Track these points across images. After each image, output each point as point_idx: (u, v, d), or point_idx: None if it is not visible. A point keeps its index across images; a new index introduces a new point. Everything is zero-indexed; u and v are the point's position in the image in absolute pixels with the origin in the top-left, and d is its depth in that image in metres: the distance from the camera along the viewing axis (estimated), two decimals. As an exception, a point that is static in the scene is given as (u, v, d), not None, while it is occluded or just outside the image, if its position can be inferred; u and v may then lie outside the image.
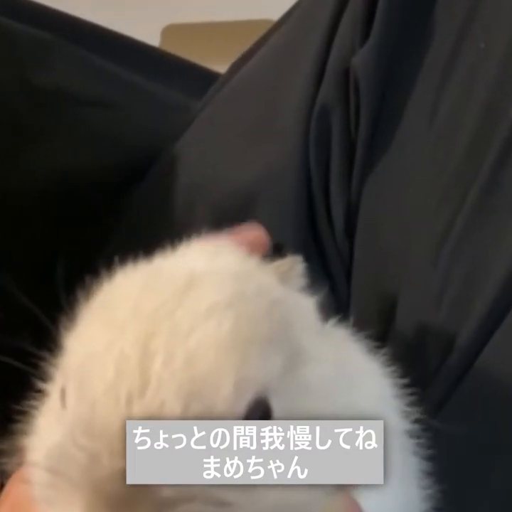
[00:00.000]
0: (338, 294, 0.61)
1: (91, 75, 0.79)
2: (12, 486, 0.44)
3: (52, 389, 0.41)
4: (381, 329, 0.56)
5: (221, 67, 0.91)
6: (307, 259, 0.61)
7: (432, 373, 0.52)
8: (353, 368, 0.42)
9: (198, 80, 0.90)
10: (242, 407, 0.36)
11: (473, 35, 0.57)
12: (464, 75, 0.57)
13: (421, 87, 0.58)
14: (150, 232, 0.71)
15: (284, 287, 0.42)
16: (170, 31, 1.70)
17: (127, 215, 0.74)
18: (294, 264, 0.43)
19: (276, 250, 0.61)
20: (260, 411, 0.36)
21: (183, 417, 0.35)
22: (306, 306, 0.42)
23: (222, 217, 0.65)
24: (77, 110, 0.76)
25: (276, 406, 0.37)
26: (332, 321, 0.44)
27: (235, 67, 0.74)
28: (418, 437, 0.43)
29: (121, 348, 0.36)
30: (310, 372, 0.39)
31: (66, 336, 0.40)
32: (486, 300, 0.51)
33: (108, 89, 0.79)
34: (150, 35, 1.22)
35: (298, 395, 0.38)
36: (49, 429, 0.39)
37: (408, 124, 0.58)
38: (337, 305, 0.60)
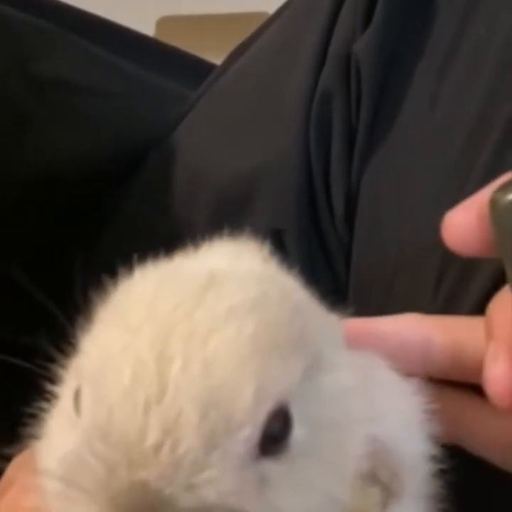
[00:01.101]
0: (338, 279, 0.61)
1: (90, 64, 0.79)
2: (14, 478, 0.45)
3: (63, 391, 0.39)
4: (378, 314, 0.56)
5: (215, 59, 0.92)
6: (307, 244, 0.62)
7: None
8: (379, 383, 0.41)
9: (194, 70, 0.90)
10: (261, 416, 0.35)
11: (475, 22, 0.57)
12: (465, 63, 0.57)
13: (422, 74, 0.59)
14: (151, 219, 0.72)
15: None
16: (164, 23, 1.70)
17: (127, 203, 0.74)
18: None
19: (276, 236, 0.61)
20: (281, 420, 0.36)
21: (201, 427, 0.34)
22: (332, 318, 0.41)
23: (224, 204, 0.66)
24: (77, 99, 0.76)
25: (296, 411, 0.36)
26: None
27: (233, 57, 0.74)
28: (442, 462, 0.42)
29: (137, 351, 0.35)
30: (327, 380, 0.38)
31: (81, 336, 0.39)
32: (481, 289, 0.52)
33: (107, 78, 0.80)
34: (144, 27, 1.22)
35: (314, 402, 0.37)
36: (61, 434, 0.38)
37: (409, 111, 0.59)
38: (337, 290, 0.60)
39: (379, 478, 0.38)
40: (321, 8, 0.64)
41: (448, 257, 0.54)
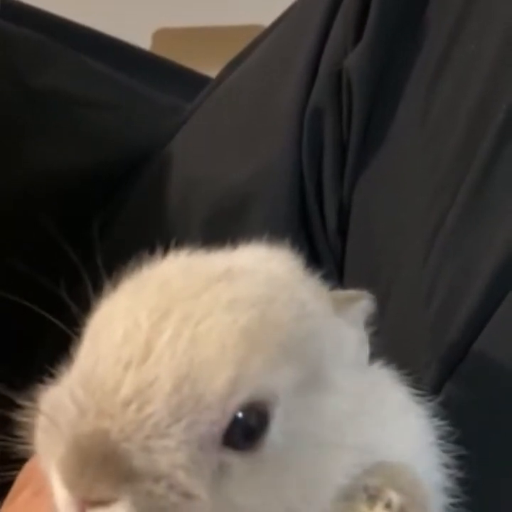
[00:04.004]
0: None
1: (86, 76, 0.80)
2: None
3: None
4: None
5: (211, 72, 0.92)
6: (300, 257, 0.62)
7: (424, 367, 0.53)
8: (389, 407, 0.41)
9: (190, 83, 0.91)
10: (233, 404, 0.36)
11: (464, 37, 0.58)
12: (454, 77, 0.58)
13: (412, 88, 0.59)
14: (144, 231, 0.72)
15: (332, 313, 0.41)
16: (161, 35, 1.71)
17: (122, 212, 0.74)
18: (360, 298, 0.43)
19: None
20: (256, 416, 0.36)
21: (171, 397, 0.35)
22: (347, 336, 0.41)
23: (217, 216, 0.66)
24: (74, 111, 0.77)
25: (280, 419, 0.36)
26: (379, 361, 0.43)
27: (228, 70, 0.75)
28: (456, 495, 0.41)
29: (136, 316, 0.37)
30: (325, 402, 0.38)
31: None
32: (475, 296, 0.52)
33: (103, 90, 0.80)
34: (141, 39, 1.23)
35: (307, 418, 0.37)
36: (61, 382, 0.40)
37: (400, 124, 0.59)
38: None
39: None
40: (313, 24, 0.65)
41: (440, 268, 0.55)
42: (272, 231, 0.63)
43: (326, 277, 0.62)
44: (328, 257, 0.62)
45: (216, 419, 0.35)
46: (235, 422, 0.36)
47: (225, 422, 0.35)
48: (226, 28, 1.69)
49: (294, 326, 0.38)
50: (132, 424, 0.35)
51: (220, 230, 0.66)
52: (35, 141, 0.74)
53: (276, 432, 0.36)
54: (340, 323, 0.41)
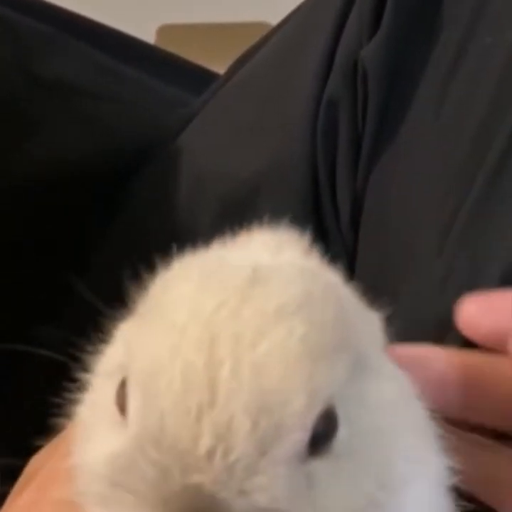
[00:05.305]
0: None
1: (93, 68, 0.80)
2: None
3: (96, 381, 0.39)
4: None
5: (215, 68, 0.92)
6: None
7: None
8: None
9: (197, 77, 0.91)
10: (311, 419, 0.35)
11: (480, 30, 0.58)
12: (470, 69, 0.58)
13: (428, 80, 0.59)
14: (152, 223, 0.72)
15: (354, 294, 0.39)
16: (165, 31, 1.71)
17: (129, 206, 0.74)
18: None
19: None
20: (328, 422, 0.35)
21: (251, 433, 0.34)
22: (374, 318, 0.40)
23: (227, 210, 0.66)
24: (79, 102, 0.76)
25: (342, 413, 0.36)
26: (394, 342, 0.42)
27: (237, 66, 0.75)
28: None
29: (185, 354, 0.34)
30: (372, 388, 0.37)
31: (111, 327, 0.38)
32: (490, 287, 0.52)
33: (110, 83, 0.80)
34: (145, 35, 1.23)
35: (356, 405, 0.37)
36: (103, 433, 0.37)
37: (415, 116, 0.59)
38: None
39: None
40: (327, 18, 0.65)
41: (454, 258, 0.55)
42: (284, 223, 0.63)
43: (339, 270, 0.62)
44: (341, 248, 0.62)
45: (299, 439, 0.34)
46: (314, 433, 0.35)
47: (306, 438, 0.35)
48: (230, 26, 1.69)
49: (337, 316, 0.37)
50: (223, 471, 0.33)
51: (229, 224, 0.66)
52: (38, 130, 0.74)
53: (341, 427, 0.36)
54: (365, 308, 0.40)
